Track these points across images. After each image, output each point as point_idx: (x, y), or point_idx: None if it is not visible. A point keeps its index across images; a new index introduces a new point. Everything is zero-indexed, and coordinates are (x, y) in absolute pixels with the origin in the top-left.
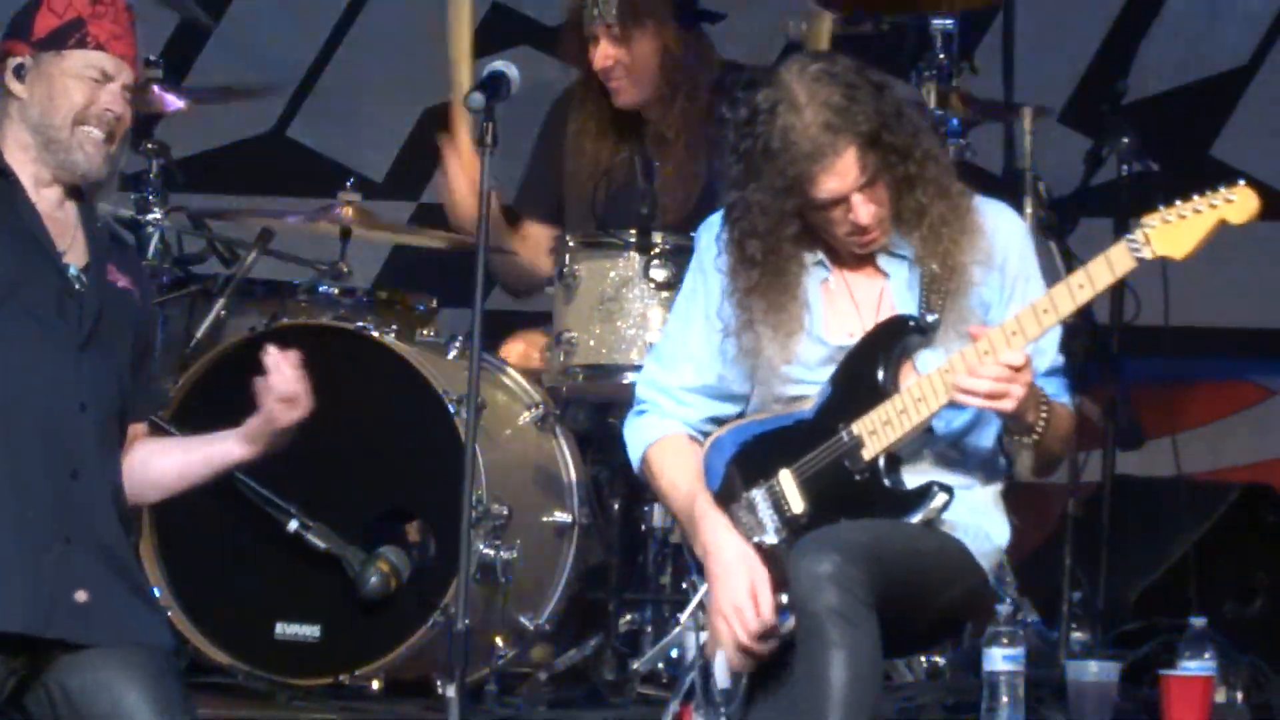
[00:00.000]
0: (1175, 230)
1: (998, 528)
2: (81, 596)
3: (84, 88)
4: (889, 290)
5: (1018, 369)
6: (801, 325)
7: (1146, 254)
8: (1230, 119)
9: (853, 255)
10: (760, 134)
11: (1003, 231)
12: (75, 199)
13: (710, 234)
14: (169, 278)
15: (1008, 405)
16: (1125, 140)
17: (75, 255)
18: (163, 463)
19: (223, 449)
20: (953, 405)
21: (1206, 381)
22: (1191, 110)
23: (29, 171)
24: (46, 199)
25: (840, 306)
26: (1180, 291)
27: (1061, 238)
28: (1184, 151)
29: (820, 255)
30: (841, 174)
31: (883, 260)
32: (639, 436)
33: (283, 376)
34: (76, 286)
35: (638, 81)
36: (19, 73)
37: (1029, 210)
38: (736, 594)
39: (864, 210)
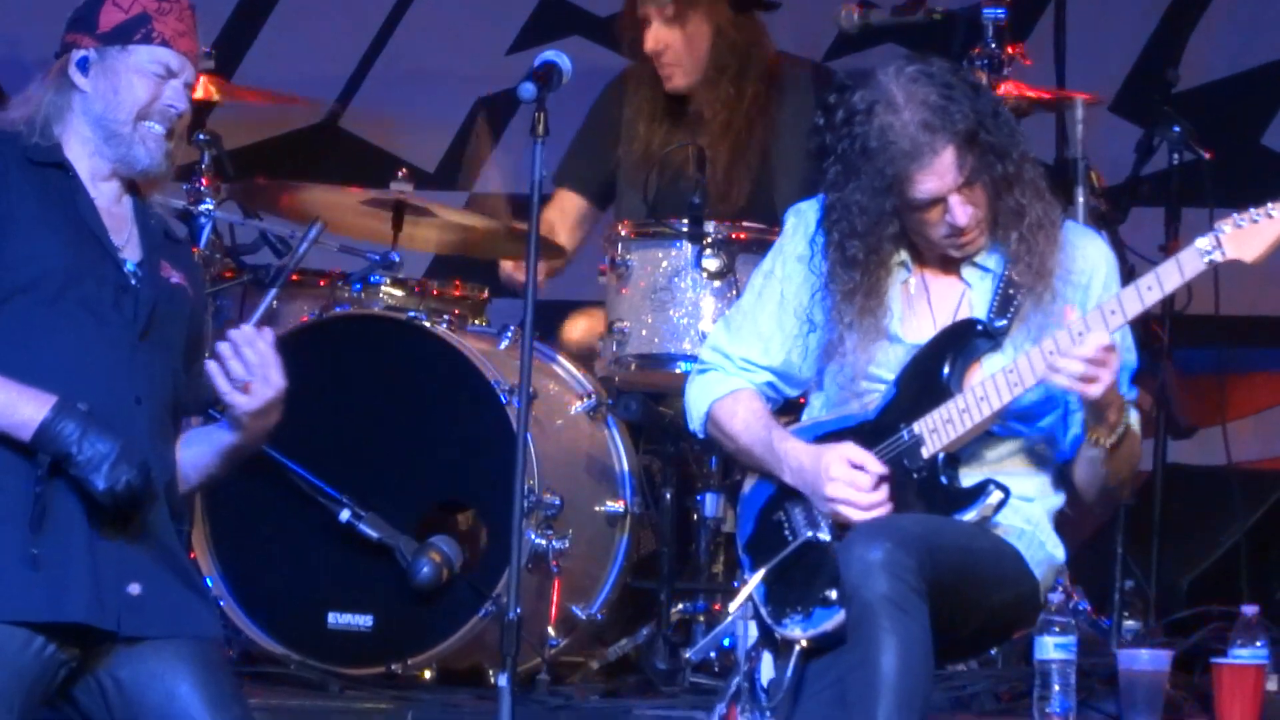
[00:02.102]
0: (1248, 234)
1: (1053, 542)
2: (135, 589)
3: (148, 84)
4: (968, 299)
5: (1109, 349)
6: (883, 329)
7: (1218, 257)
8: None
9: (937, 260)
10: (858, 134)
11: (1092, 253)
12: (131, 194)
13: (800, 221)
14: (220, 268)
15: (1095, 390)
16: (1176, 129)
17: (131, 250)
18: (184, 454)
19: (217, 436)
20: (1017, 417)
21: (1257, 371)
22: (1242, 99)
23: (87, 165)
24: (104, 193)
25: (918, 309)
26: (1231, 281)
27: (1113, 226)
28: (1235, 140)
29: (904, 255)
30: (940, 174)
31: (966, 270)
32: (704, 392)
33: (234, 360)
34: (132, 281)
35: (689, 65)
36: (83, 66)
37: (1080, 199)
38: (838, 459)
39: (961, 211)
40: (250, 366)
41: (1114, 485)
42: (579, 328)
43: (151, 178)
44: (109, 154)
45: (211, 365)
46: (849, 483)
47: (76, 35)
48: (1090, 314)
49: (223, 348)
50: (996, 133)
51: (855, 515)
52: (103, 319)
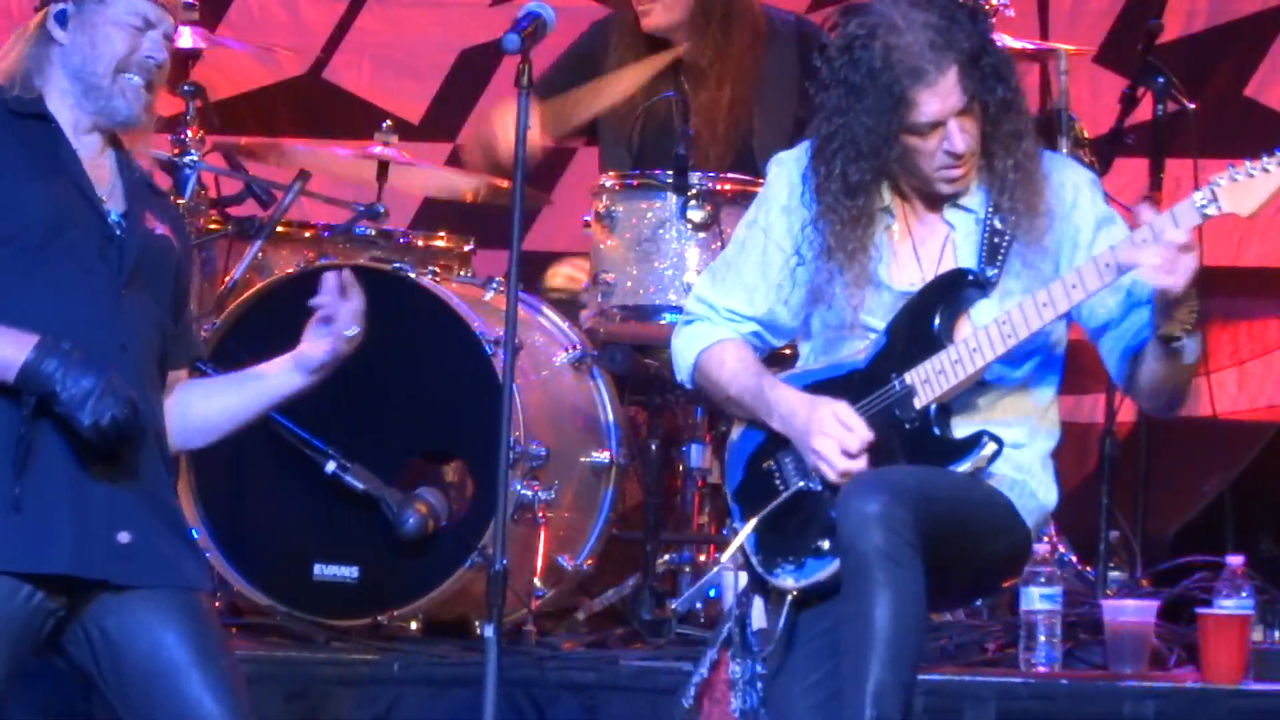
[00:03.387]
0: (1243, 188)
1: (1045, 488)
2: (124, 538)
3: (126, 35)
4: (953, 240)
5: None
6: (870, 274)
7: (1213, 211)
8: (1264, 59)
9: (920, 202)
10: (860, 58)
11: (1070, 180)
12: (113, 146)
13: (782, 170)
14: (205, 219)
15: (1179, 280)
16: (1160, 80)
17: (114, 201)
18: (209, 405)
19: (279, 381)
20: (1003, 360)
21: (1240, 321)
22: (1226, 49)
23: (68, 118)
24: (86, 145)
25: (903, 254)
26: (1214, 232)
27: (1097, 177)
28: (1219, 91)
29: (886, 200)
30: (944, 94)
31: (949, 212)
32: (691, 342)
33: (349, 307)
34: (117, 232)
35: (671, 5)
36: (61, 19)
37: (1065, 150)
38: (830, 415)
39: (960, 137)
40: (353, 310)
41: (1189, 375)
42: (560, 275)
43: (132, 129)
44: (89, 106)
45: (319, 305)
46: (837, 440)
47: None
48: (1082, 265)
49: (332, 288)
50: (996, 56)
51: (831, 475)
52: (87, 268)
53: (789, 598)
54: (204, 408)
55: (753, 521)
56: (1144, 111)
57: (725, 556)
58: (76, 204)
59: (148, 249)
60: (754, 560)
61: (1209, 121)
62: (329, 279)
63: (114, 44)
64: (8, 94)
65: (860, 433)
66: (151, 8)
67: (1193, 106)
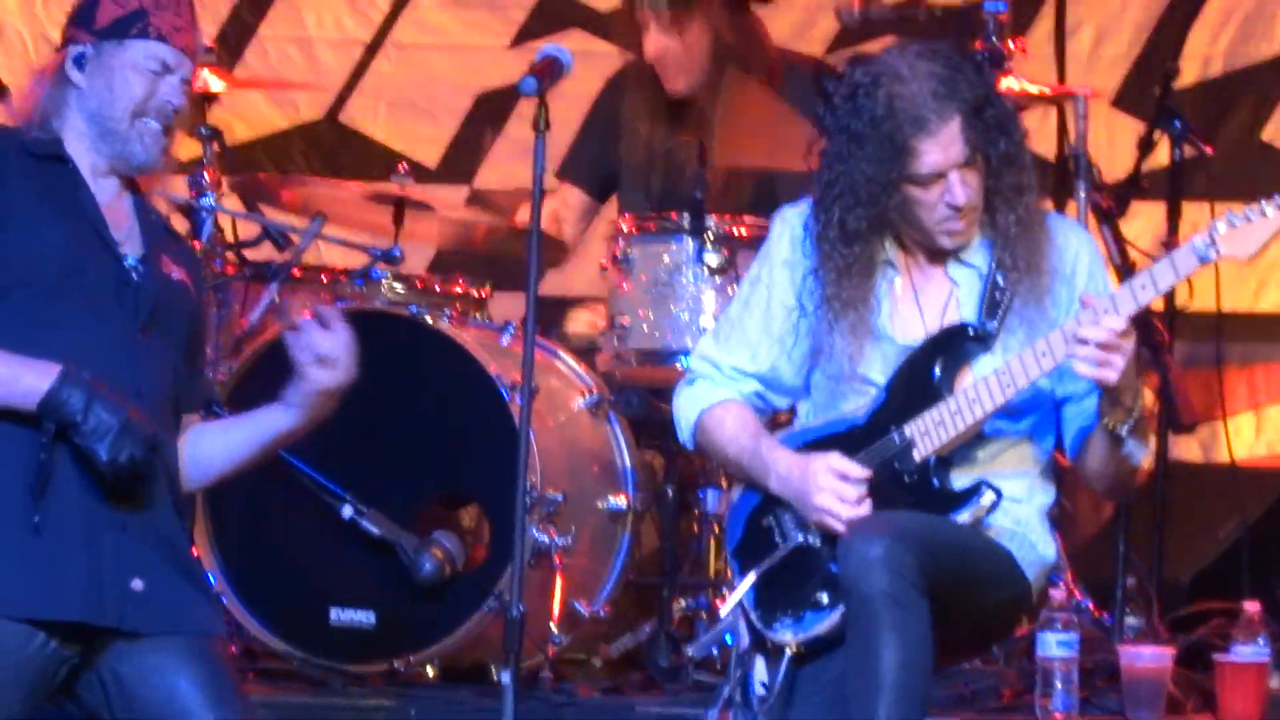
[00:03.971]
0: (1243, 232)
1: (1044, 542)
2: (138, 584)
3: (144, 80)
4: (956, 297)
5: (1123, 334)
6: (871, 325)
7: (1211, 255)
8: None
9: (923, 256)
10: (863, 106)
11: (1073, 243)
12: (130, 189)
13: (785, 226)
14: (222, 262)
15: (1110, 374)
16: (1177, 124)
17: (131, 245)
18: (208, 446)
19: (267, 422)
20: (1003, 414)
21: (1257, 366)
22: (1243, 94)
23: (86, 160)
24: (104, 188)
25: (905, 308)
26: (1231, 278)
27: (1114, 222)
28: (1235, 135)
29: (889, 254)
30: (945, 145)
31: (953, 268)
32: (693, 402)
33: (320, 333)
34: (134, 276)
35: (690, 70)
36: (79, 62)
37: (1082, 194)
38: (825, 469)
39: (960, 190)
40: (334, 344)
41: (1128, 472)
42: (581, 320)
43: (148, 173)
44: (105, 150)
45: (290, 336)
46: (835, 493)
47: (75, 30)
48: (1083, 314)
49: (305, 321)
50: (1000, 109)
51: (838, 526)
52: (103, 312)
53: (788, 652)
54: (206, 449)
55: (752, 575)
56: (1161, 156)
57: (724, 610)
58: (93, 247)
59: (164, 294)
60: (753, 615)
61: (1225, 166)
62: (311, 320)
63: (131, 88)
64: (26, 135)
65: (856, 474)
66: (170, 52)
67: (1209, 151)
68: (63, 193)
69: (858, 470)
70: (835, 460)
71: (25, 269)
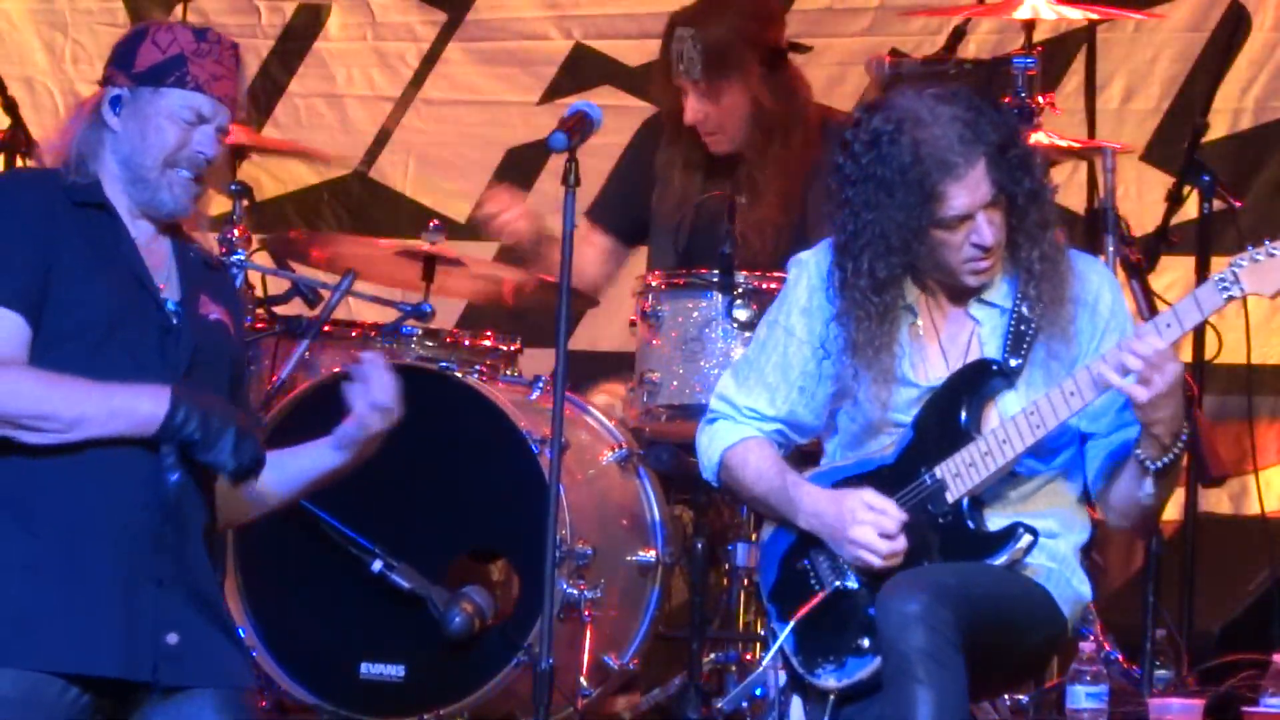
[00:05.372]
0: (1265, 269)
1: (1079, 579)
2: (173, 639)
3: (177, 129)
4: (978, 336)
5: (1166, 355)
6: (893, 372)
7: (1235, 292)
8: None
9: (945, 297)
10: (888, 154)
11: (1095, 276)
12: (168, 232)
13: (802, 271)
14: (253, 318)
15: (1145, 393)
16: (1206, 178)
17: (171, 289)
18: (260, 479)
19: (318, 458)
20: (1033, 454)
21: None
22: (1272, 147)
23: (123, 203)
24: (141, 230)
25: (928, 350)
26: (1262, 329)
27: (1143, 275)
28: (1264, 189)
29: (910, 298)
30: (972, 187)
31: (974, 307)
32: (715, 441)
33: (379, 382)
34: (174, 320)
35: (730, 132)
36: (115, 105)
37: (1111, 248)
38: (861, 504)
39: (988, 230)
40: (386, 390)
41: (1155, 511)
42: (602, 395)
43: (178, 220)
44: (135, 196)
45: (346, 380)
46: (874, 525)
47: (114, 71)
48: (1110, 352)
49: (361, 368)
50: (1021, 148)
51: (876, 562)
52: (143, 364)
53: (831, 698)
54: (258, 482)
55: (791, 623)
56: (1190, 209)
57: (766, 660)
58: (136, 296)
59: (204, 337)
60: (794, 661)
61: (1255, 220)
62: (368, 358)
63: (165, 137)
64: (66, 180)
65: (894, 513)
66: (207, 102)
67: (1238, 204)
68: (105, 240)
69: (894, 508)
70: (870, 495)
71: (73, 321)
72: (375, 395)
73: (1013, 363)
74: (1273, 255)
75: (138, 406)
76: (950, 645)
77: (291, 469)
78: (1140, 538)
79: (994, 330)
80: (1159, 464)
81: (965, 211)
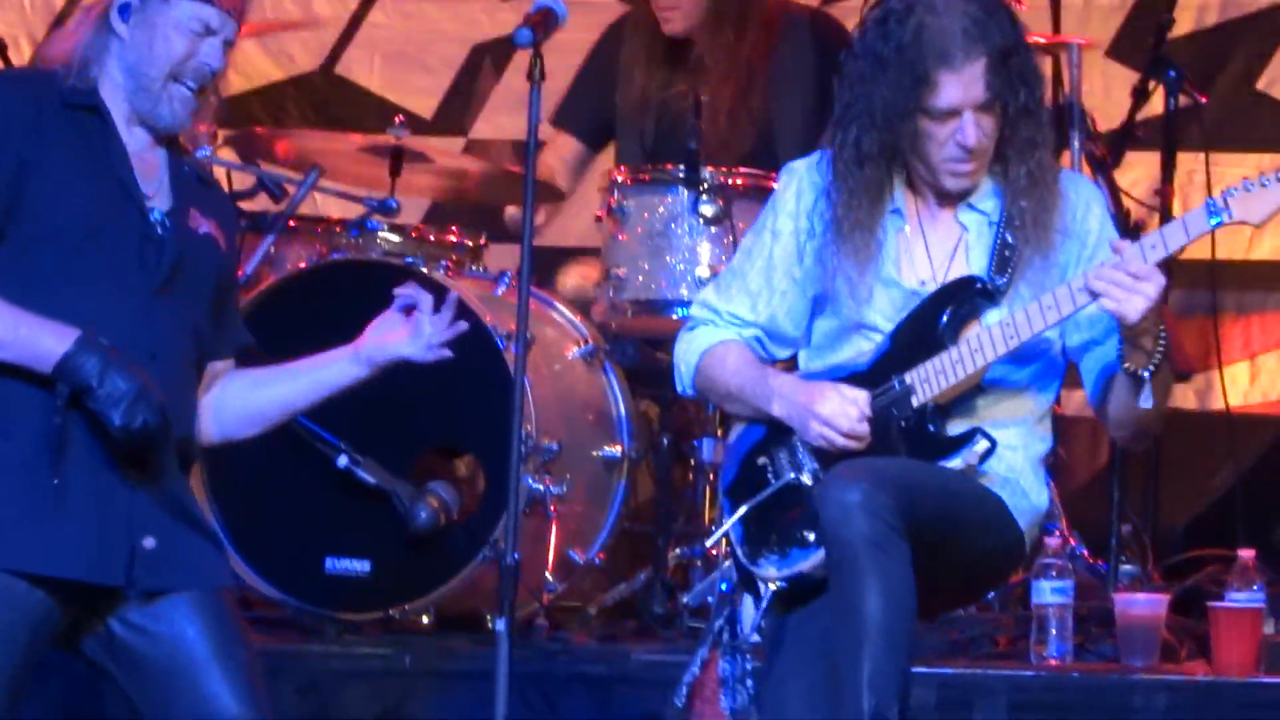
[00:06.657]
0: (1256, 199)
1: (1036, 490)
2: (149, 543)
3: (185, 40)
4: (965, 243)
5: (1147, 276)
6: (877, 271)
7: (1224, 218)
8: (1275, 53)
9: (932, 201)
10: (891, 32)
11: (1084, 198)
12: (164, 144)
13: (792, 179)
14: None
15: (1130, 311)
16: (1172, 74)
17: (160, 199)
18: (260, 395)
19: (336, 372)
20: (1010, 359)
21: (1252, 314)
22: (1238, 43)
23: (121, 110)
24: (136, 138)
25: (914, 252)
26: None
27: (1108, 170)
28: (1230, 85)
29: (898, 201)
30: (966, 83)
31: (963, 213)
32: (694, 346)
33: (447, 323)
34: (158, 231)
35: (687, 8)
36: (124, 12)
37: (1076, 144)
38: (832, 387)
39: (973, 130)
40: (441, 329)
41: (1151, 416)
42: (572, 277)
43: (173, 134)
44: (136, 104)
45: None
46: (839, 404)
47: None
48: (1092, 272)
49: (418, 303)
50: (1025, 61)
51: (838, 439)
52: (121, 271)
53: (770, 587)
54: (256, 398)
55: (741, 509)
56: (1156, 105)
57: (710, 543)
58: (119, 203)
59: (188, 250)
60: (739, 551)
61: (1220, 115)
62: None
63: (173, 47)
64: (63, 82)
65: (864, 401)
66: (215, 14)
67: (1204, 100)
68: (94, 145)
69: (864, 396)
70: (843, 386)
71: (50, 224)
72: (436, 337)
73: (999, 281)
74: (1265, 187)
75: (41, 339)
76: (894, 532)
77: (300, 385)
78: (1139, 447)
79: (980, 239)
80: (1148, 370)
81: (954, 105)
